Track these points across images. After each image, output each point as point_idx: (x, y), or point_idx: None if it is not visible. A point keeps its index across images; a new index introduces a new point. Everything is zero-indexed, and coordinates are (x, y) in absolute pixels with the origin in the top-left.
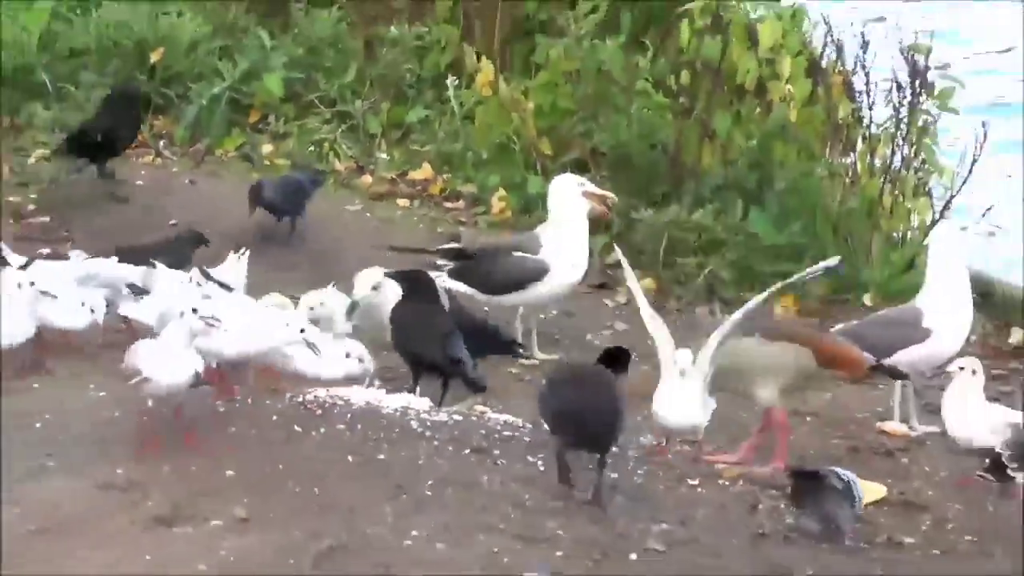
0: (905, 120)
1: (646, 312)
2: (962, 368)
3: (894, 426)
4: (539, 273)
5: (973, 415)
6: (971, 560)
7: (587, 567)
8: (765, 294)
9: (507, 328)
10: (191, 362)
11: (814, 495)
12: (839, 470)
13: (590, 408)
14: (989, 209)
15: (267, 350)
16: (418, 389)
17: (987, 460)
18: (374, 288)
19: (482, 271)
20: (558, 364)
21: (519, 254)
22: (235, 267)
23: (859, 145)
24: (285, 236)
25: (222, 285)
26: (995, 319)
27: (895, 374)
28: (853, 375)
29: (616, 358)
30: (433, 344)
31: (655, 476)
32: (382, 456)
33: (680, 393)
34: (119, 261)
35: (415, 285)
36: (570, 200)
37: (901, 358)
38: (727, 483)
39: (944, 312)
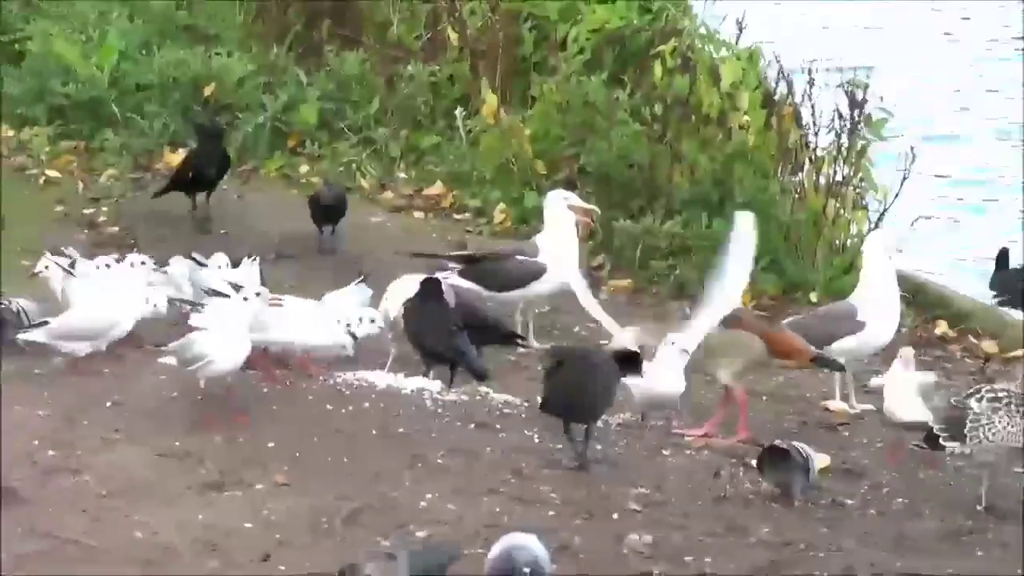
0: (845, 145)
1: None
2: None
3: (836, 404)
4: (539, 273)
5: (909, 395)
6: (903, 519)
7: (575, 525)
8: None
9: (508, 320)
10: (244, 347)
11: (777, 465)
12: (799, 445)
13: (579, 384)
14: (917, 219)
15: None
16: (431, 373)
17: (924, 434)
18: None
19: (491, 272)
20: (559, 348)
21: (522, 257)
22: (248, 271)
23: (806, 166)
24: (318, 242)
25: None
26: (924, 314)
27: (833, 366)
28: (798, 363)
29: (629, 359)
30: (441, 337)
31: (633, 447)
32: (401, 430)
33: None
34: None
35: (425, 288)
36: (560, 212)
37: (838, 346)
38: (694, 453)
39: (875, 308)
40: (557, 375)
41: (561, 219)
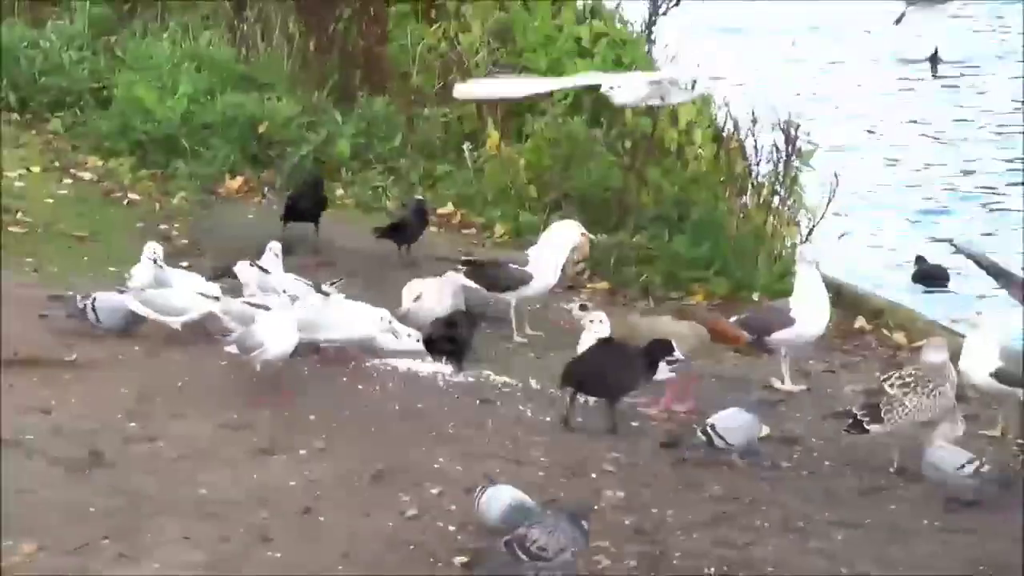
0: (781, 173)
1: None
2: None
3: (778, 384)
4: (526, 279)
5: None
6: (830, 478)
7: (561, 483)
8: None
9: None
10: (291, 338)
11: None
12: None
13: (605, 368)
14: (843, 235)
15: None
16: (444, 359)
17: (849, 419)
18: (416, 299)
19: (491, 276)
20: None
21: (514, 266)
22: (272, 260)
23: (749, 190)
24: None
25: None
26: (846, 311)
27: (764, 348)
28: (735, 346)
29: (656, 350)
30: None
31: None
32: (419, 405)
33: None
34: None
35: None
36: (557, 237)
37: (776, 337)
38: (658, 424)
39: (805, 307)
40: (590, 358)
41: (555, 241)
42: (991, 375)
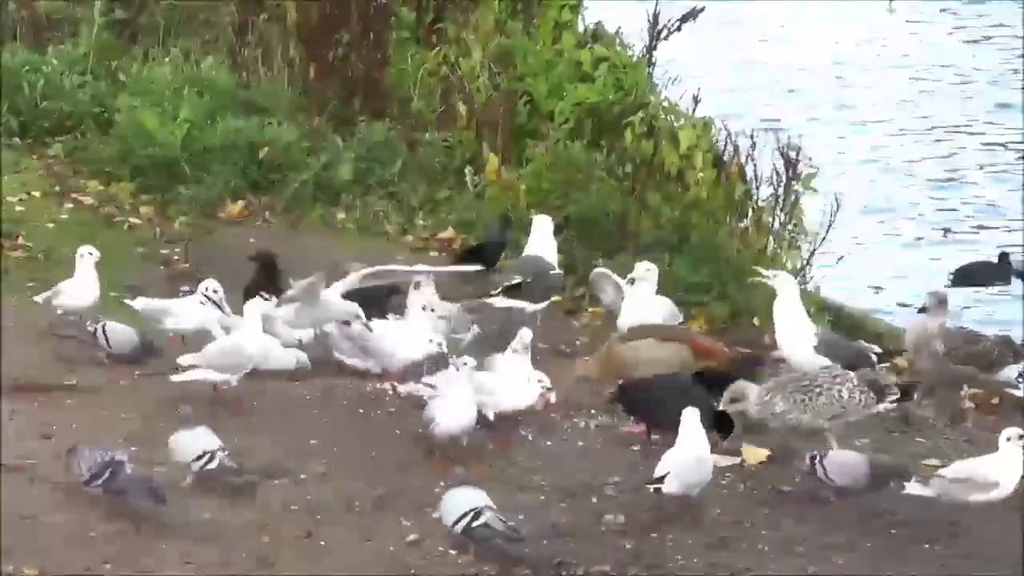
0: (781, 196)
1: None
2: None
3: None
4: (559, 283)
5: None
6: (827, 503)
7: (562, 507)
8: None
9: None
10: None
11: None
12: None
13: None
14: (841, 258)
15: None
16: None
17: None
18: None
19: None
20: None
21: (554, 272)
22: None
23: (750, 213)
24: None
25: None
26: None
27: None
28: (719, 363)
29: (724, 421)
30: None
31: (609, 445)
32: (420, 430)
33: None
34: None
35: None
36: (545, 233)
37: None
38: (658, 448)
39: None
40: (654, 390)
41: (550, 237)
42: None
